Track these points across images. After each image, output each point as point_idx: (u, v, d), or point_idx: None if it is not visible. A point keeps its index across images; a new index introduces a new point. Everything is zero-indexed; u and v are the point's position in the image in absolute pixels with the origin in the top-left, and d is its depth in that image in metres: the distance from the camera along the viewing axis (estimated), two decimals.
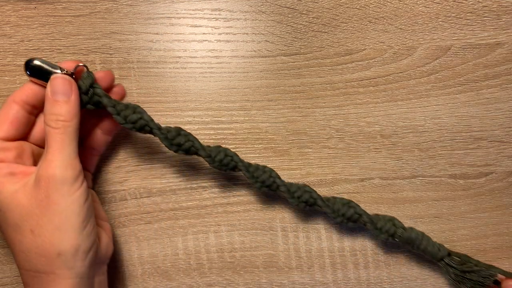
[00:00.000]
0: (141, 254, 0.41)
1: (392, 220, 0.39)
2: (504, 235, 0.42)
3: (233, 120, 0.42)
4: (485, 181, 0.42)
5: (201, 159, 0.41)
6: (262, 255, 0.41)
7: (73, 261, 0.30)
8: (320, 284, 0.41)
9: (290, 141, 0.42)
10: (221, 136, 0.41)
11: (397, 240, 0.39)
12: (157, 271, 0.41)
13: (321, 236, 0.41)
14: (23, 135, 0.34)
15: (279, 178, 0.38)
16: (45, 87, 0.33)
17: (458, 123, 0.42)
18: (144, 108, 0.41)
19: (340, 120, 0.42)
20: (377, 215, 0.39)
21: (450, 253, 0.39)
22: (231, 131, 0.42)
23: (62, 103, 0.32)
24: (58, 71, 0.33)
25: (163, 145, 0.41)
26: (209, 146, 0.38)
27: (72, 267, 0.30)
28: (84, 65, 0.34)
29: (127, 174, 0.41)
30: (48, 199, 0.30)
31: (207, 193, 0.41)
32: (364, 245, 0.41)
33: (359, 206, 0.39)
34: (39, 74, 0.32)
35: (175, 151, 0.36)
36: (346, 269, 0.41)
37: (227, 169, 0.37)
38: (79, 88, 0.33)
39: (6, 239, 0.32)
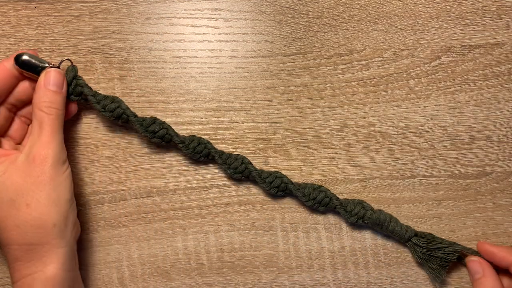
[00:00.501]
0: (141, 254, 0.41)
1: (361, 203, 0.40)
2: (504, 235, 0.42)
3: (233, 120, 0.42)
4: (485, 181, 0.42)
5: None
6: (262, 255, 0.41)
7: (65, 231, 0.34)
8: (320, 284, 0.41)
9: (290, 141, 0.42)
10: (221, 136, 0.41)
11: (366, 222, 0.40)
12: (157, 271, 0.41)
13: (321, 236, 0.41)
14: None
15: (251, 164, 0.40)
16: (32, 78, 0.37)
17: (458, 123, 0.42)
18: (144, 108, 0.41)
19: (340, 120, 0.42)
20: (346, 199, 0.41)
21: (417, 234, 0.40)
22: (231, 131, 0.42)
23: (55, 93, 0.35)
24: (46, 64, 0.36)
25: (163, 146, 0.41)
26: (183, 136, 0.40)
27: (64, 237, 0.34)
28: (68, 59, 0.38)
29: (127, 174, 0.41)
30: (45, 175, 0.33)
31: (207, 193, 0.41)
32: (364, 245, 0.41)
33: (329, 190, 0.40)
34: (28, 67, 0.36)
35: (150, 138, 0.39)
36: (346, 269, 0.41)
37: (201, 157, 0.39)
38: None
39: None
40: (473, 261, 0.39)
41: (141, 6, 0.42)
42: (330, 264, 0.41)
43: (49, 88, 0.35)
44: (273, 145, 0.42)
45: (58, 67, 0.37)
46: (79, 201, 0.40)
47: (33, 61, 0.36)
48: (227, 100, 0.42)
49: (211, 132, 0.41)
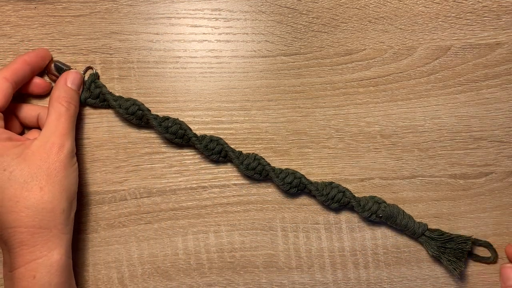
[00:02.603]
0: (141, 254, 0.41)
1: (373, 198, 0.40)
2: (504, 235, 0.42)
3: (233, 120, 0.42)
4: (485, 181, 0.42)
5: (196, 159, 0.41)
6: (262, 255, 0.41)
7: (70, 218, 0.36)
8: (320, 284, 0.41)
9: (290, 141, 0.42)
10: (221, 136, 0.41)
11: (380, 216, 0.40)
12: (157, 271, 0.41)
13: (321, 236, 0.41)
14: (5, 108, 0.38)
15: (264, 159, 0.40)
16: (54, 80, 0.40)
17: (458, 123, 0.42)
18: None
19: (340, 120, 0.42)
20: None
21: (428, 228, 0.40)
22: (231, 131, 0.42)
23: (73, 90, 0.39)
24: (73, 70, 0.40)
25: (163, 146, 0.41)
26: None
27: (68, 224, 0.35)
28: (90, 67, 0.41)
29: (127, 174, 0.41)
30: (60, 163, 0.35)
31: (207, 193, 0.41)
32: (364, 245, 0.41)
33: (340, 185, 0.40)
34: (57, 71, 0.40)
35: (163, 134, 0.39)
36: (346, 269, 0.41)
37: (213, 154, 0.40)
38: (84, 84, 0.40)
39: (5, 198, 0.33)
40: (506, 268, 0.40)
41: (141, 6, 0.42)
42: (330, 264, 0.41)
43: (69, 86, 0.38)
44: (273, 145, 0.42)
45: (83, 73, 0.40)
46: (79, 201, 0.40)
47: (62, 66, 0.40)
48: (227, 100, 0.42)
49: (211, 132, 0.41)
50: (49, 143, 0.35)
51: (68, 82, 0.39)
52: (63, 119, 0.36)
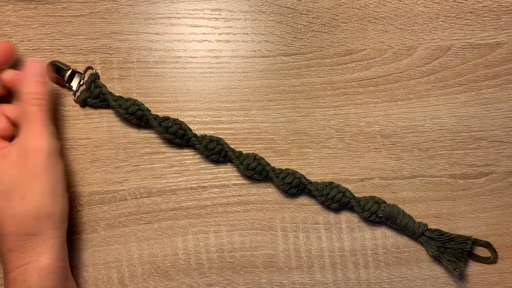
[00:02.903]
0: (141, 254, 0.41)
1: (373, 198, 0.40)
2: (504, 235, 0.42)
3: (233, 120, 0.42)
4: (485, 181, 0.42)
5: (196, 159, 0.41)
6: (262, 255, 0.41)
7: (59, 222, 0.35)
8: (320, 284, 0.41)
9: (290, 141, 0.42)
10: (221, 136, 0.41)
11: (380, 216, 0.40)
12: (157, 271, 0.41)
13: (321, 236, 0.41)
14: None
15: (264, 160, 0.40)
16: (60, 82, 0.40)
17: (458, 123, 0.42)
18: None
19: (340, 120, 0.42)
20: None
21: (428, 228, 0.40)
22: (231, 131, 0.42)
23: (40, 83, 0.36)
24: (70, 69, 0.40)
25: (163, 146, 0.41)
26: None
27: (58, 227, 0.35)
28: (90, 67, 0.41)
29: (127, 174, 0.41)
30: (39, 167, 0.34)
31: (207, 193, 0.41)
32: (364, 245, 0.41)
33: (340, 185, 0.40)
34: (57, 71, 0.40)
35: (163, 134, 0.39)
36: (346, 269, 0.41)
37: (213, 154, 0.40)
38: (84, 84, 0.40)
39: None
40: None
41: (141, 6, 0.42)
42: (330, 264, 0.41)
43: (32, 79, 0.36)
44: (273, 145, 0.42)
45: (83, 73, 0.40)
46: (79, 201, 0.40)
47: (62, 66, 0.40)
48: (227, 100, 0.42)
49: (211, 132, 0.41)
50: (25, 149, 0.34)
51: (32, 76, 0.36)
52: (35, 118, 0.35)
